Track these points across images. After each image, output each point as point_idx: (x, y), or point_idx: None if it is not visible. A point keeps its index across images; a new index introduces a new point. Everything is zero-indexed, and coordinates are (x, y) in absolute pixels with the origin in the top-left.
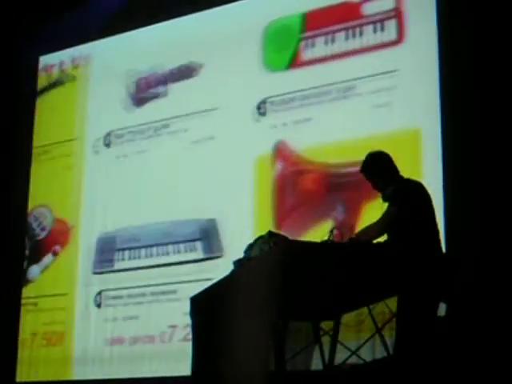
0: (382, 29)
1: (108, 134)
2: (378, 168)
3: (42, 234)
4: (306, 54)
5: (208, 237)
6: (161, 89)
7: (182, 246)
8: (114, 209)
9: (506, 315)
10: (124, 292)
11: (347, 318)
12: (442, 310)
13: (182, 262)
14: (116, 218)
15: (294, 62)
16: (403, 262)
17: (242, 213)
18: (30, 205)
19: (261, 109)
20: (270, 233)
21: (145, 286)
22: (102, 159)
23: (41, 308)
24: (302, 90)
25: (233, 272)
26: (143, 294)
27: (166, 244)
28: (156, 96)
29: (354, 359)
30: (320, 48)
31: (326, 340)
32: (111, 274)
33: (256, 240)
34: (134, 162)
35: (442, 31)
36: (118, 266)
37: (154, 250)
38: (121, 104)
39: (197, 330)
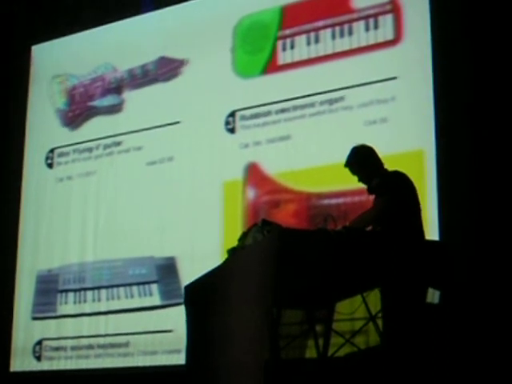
0: (376, 26)
1: (51, 152)
2: (363, 160)
3: None
4: (284, 57)
5: (166, 279)
6: (109, 99)
7: (135, 288)
8: (55, 241)
9: (501, 302)
10: (67, 343)
11: (341, 305)
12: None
13: (135, 308)
14: (58, 252)
15: (269, 67)
16: (395, 249)
17: (207, 249)
18: None
19: (229, 124)
20: (263, 221)
21: (92, 336)
22: (43, 181)
23: None
24: (278, 102)
25: (227, 260)
26: (90, 347)
27: (117, 286)
28: (99, 111)
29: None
30: (301, 49)
31: (319, 328)
32: (53, 321)
33: (249, 228)
34: (79, 185)
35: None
36: (60, 310)
37: (103, 293)
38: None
39: (191, 319)
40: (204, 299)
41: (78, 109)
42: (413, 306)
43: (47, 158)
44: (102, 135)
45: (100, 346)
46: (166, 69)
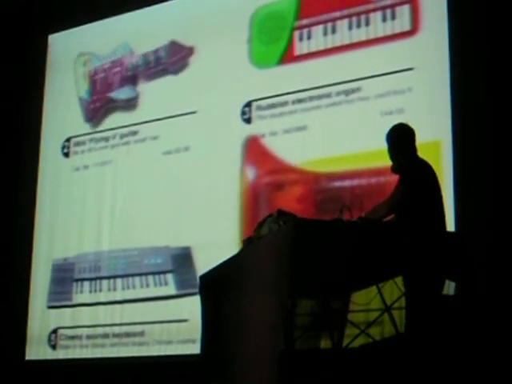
0: (394, 17)
1: (67, 141)
2: (396, 138)
3: None
4: (301, 47)
5: (181, 268)
6: (126, 91)
7: (150, 278)
8: (71, 230)
9: None
10: (83, 331)
11: (356, 296)
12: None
13: (150, 298)
14: (74, 241)
15: (285, 57)
16: (410, 240)
17: (222, 239)
18: None
19: (245, 114)
20: (278, 211)
21: (107, 325)
22: (59, 171)
23: None
24: (295, 92)
25: (242, 251)
26: (105, 335)
27: (133, 275)
28: (117, 105)
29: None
30: (317, 40)
31: (334, 319)
32: (68, 309)
33: (265, 218)
34: (95, 174)
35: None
36: (76, 299)
37: (119, 282)
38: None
39: (206, 309)
40: (219, 289)
41: (99, 100)
42: (433, 297)
43: (64, 147)
44: (118, 125)
45: (115, 335)
46: (176, 57)
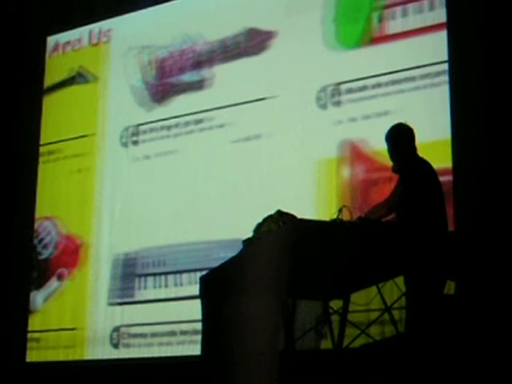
0: None
1: (127, 130)
2: (396, 139)
3: (45, 254)
4: (386, 27)
5: None
6: (196, 74)
7: None
8: (135, 223)
9: None
10: (147, 329)
11: (356, 296)
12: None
13: None
14: (137, 235)
15: (365, 39)
16: (411, 240)
17: None
18: (35, 215)
19: (321, 100)
20: (278, 212)
21: (173, 322)
22: (121, 161)
23: (42, 345)
24: (376, 76)
25: (242, 251)
26: (172, 333)
27: (200, 270)
28: (185, 86)
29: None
30: (401, 20)
31: (335, 319)
32: (131, 306)
33: (265, 219)
34: (160, 164)
35: None
36: (139, 296)
37: (185, 277)
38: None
39: (206, 310)
40: (219, 290)
41: (168, 83)
42: (433, 297)
43: (122, 137)
44: (186, 112)
45: (183, 333)
46: (255, 41)
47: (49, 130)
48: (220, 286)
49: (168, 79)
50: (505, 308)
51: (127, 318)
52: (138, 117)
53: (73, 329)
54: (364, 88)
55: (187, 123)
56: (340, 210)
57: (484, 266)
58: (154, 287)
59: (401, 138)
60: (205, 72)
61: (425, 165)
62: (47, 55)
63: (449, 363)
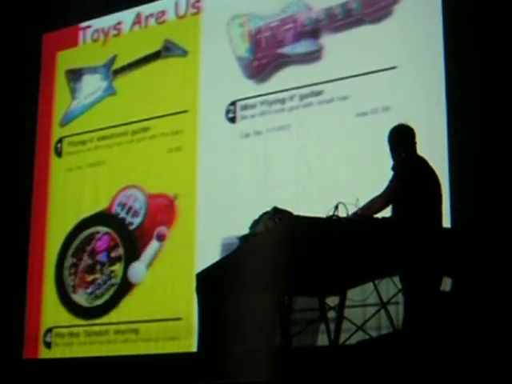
0: None
1: (232, 105)
2: (395, 138)
3: (136, 222)
4: None
5: None
6: (303, 45)
7: None
8: (244, 204)
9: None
10: None
11: (352, 293)
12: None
13: None
14: (248, 217)
15: None
16: (407, 237)
17: None
18: (113, 190)
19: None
20: (275, 208)
21: None
22: (225, 138)
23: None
24: None
25: (238, 248)
26: None
27: None
28: (291, 59)
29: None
30: None
31: (331, 316)
32: None
33: (261, 216)
34: (270, 140)
35: None
36: None
37: None
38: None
39: (203, 306)
40: (216, 286)
41: (265, 57)
42: (430, 293)
43: (228, 112)
44: (295, 84)
45: None
46: (374, 7)
47: (137, 107)
48: (216, 283)
49: (265, 52)
50: (501, 304)
51: None
52: (245, 88)
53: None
54: None
55: (303, 96)
56: (336, 207)
57: (480, 263)
58: None
59: (400, 138)
60: (312, 44)
61: (420, 162)
62: (128, 29)
63: (445, 359)
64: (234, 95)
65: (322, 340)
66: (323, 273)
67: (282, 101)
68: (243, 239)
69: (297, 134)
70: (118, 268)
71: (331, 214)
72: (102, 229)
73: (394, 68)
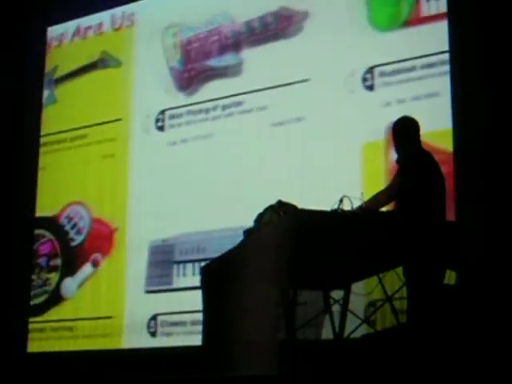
0: None
1: (161, 114)
2: (400, 131)
3: (78, 239)
4: (428, 8)
5: None
6: (227, 59)
7: None
8: (170, 209)
9: None
10: (187, 317)
11: (357, 286)
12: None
13: None
14: (174, 220)
15: (410, 19)
16: (411, 230)
17: None
18: (61, 202)
19: (367, 81)
20: (279, 202)
21: None
22: (154, 146)
23: (77, 334)
24: (422, 57)
25: (243, 241)
26: None
27: None
28: (216, 72)
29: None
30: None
31: (336, 309)
32: (169, 294)
33: (265, 209)
34: (195, 148)
35: None
36: (177, 283)
37: None
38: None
39: (207, 300)
40: (220, 280)
41: (193, 69)
42: (434, 287)
43: (157, 120)
44: (219, 95)
45: None
46: (287, 22)
47: (75, 115)
48: (221, 276)
49: (193, 64)
50: (505, 298)
51: (165, 305)
52: (174, 98)
53: (109, 317)
54: (413, 69)
55: (226, 106)
56: (341, 200)
57: (485, 256)
58: (194, 274)
59: (404, 130)
60: (234, 57)
61: (424, 156)
62: (69, 39)
63: (450, 353)
64: (164, 104)
65: (327, 333)
66: (328, 266)
67: (206, 111)
68: (248, 233)
69: (220, 142)
70: (53, 277)
71: (336, 207)
72: (48, 234)
73: (306, 81)
